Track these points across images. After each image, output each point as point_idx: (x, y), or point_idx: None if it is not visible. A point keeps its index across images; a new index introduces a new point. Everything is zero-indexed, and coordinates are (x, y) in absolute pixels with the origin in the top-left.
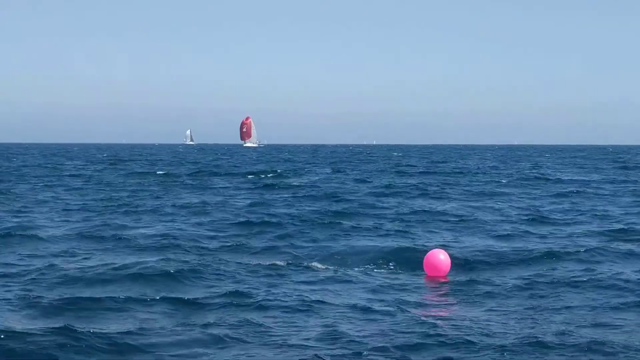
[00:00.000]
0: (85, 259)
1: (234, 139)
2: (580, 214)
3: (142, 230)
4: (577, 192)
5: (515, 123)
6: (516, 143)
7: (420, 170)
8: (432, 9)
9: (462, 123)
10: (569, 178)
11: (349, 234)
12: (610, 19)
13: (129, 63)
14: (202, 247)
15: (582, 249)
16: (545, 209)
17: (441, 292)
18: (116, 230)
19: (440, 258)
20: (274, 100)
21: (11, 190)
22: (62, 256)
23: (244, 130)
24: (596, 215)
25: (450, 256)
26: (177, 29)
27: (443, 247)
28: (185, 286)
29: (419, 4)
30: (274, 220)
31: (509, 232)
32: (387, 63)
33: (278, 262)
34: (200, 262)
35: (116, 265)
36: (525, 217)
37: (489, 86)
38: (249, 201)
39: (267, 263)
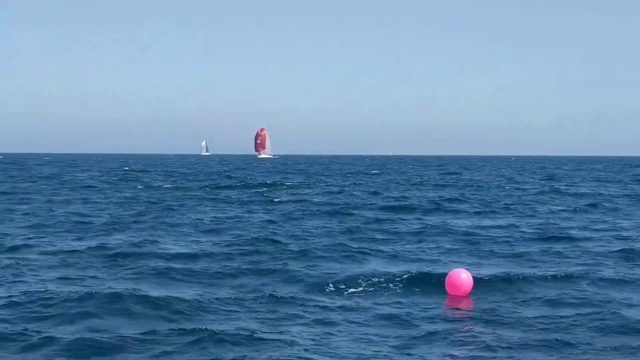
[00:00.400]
0: (99, 283)
1: (249, 149)
2: (600, 231)
3: (156, 250)
4: (595, 205)
5: (515, 124)
6: (534, 154)
7: (436, 183)
8: (432, 9)
9: (462, 124)
10: (590, 191)
11: (362, 254)
12: (610, 19)
13: (128, 64)
14: (216, 270)
15: (605, 273)
16: (563, 225)
17: (458, 323)
18: (129, 248)
19: (462, 277)
20: (273, 100)
21: (26, 204)
22: (76, 279)
23: (258, 141)
24: (616, 232)
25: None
26: (177, 29)
27: (460, 267)
28: (201, 318)
29: (419, 4)
30: (284, 240)
31: (528, 250)
32: (387, 63)
33: (291, 290)
34: (214, 291)
35: (129, 292)
36: (544, 234)
37: (488, 86)
38: (262, 217)
39: (281, 294)
